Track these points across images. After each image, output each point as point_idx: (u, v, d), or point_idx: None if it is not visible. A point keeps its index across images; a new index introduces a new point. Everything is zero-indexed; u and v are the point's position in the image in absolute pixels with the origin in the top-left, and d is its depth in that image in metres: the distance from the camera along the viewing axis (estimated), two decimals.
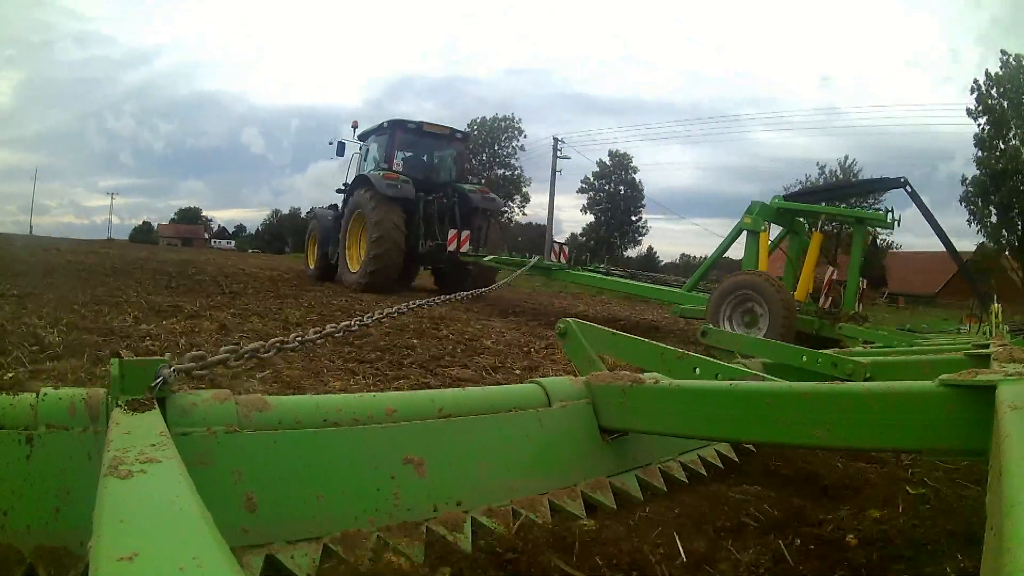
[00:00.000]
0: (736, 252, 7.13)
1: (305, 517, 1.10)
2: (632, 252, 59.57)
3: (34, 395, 1.03)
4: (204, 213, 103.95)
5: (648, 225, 59.67)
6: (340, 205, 11.18)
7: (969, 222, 33.57)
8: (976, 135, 32.14)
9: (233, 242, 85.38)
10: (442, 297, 2.87)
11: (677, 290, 7.40)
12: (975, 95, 31.98)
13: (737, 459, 1.91)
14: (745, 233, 6.52)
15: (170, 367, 1.09)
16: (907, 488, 1.71)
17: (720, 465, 1.85)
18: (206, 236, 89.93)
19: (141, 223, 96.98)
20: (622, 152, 55.65)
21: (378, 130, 11.10)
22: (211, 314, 5.12)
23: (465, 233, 9.62)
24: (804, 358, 2.76)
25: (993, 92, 31.65)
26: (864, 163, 41.94)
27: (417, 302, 2.41)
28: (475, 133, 52.10)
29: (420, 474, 1.24)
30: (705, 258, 8.69)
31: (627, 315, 9.91)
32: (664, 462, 1.70)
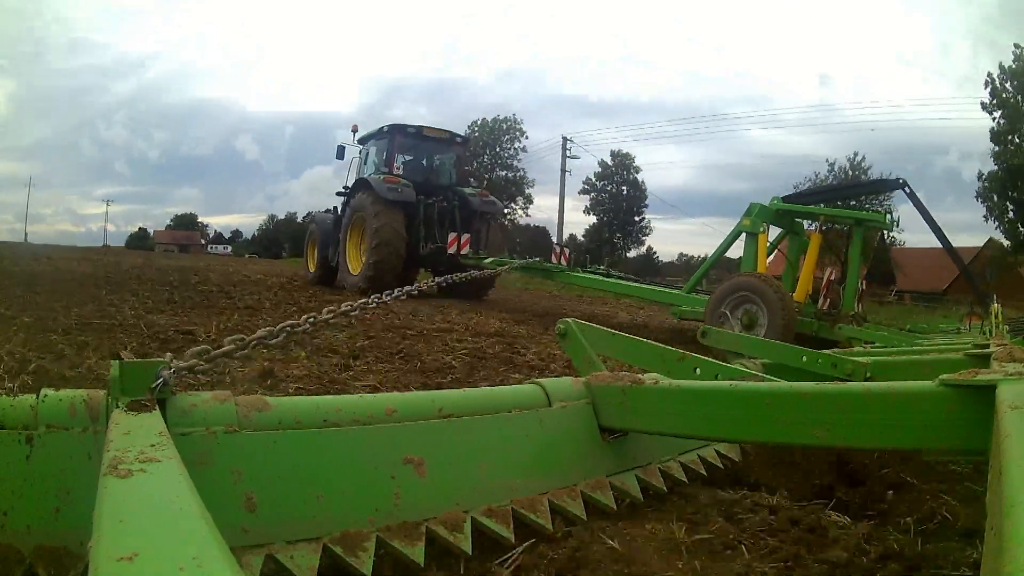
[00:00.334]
0: (737, 253, 7.13)
1: (305, 517, 1.09)
2: (631, 252, 59.61)
3: (34, 396, 1.03)
4: (200, 219, 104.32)
5: (651, 225, 59.79)
6: (340, 208, 11.19)
7: (986, 218, 33.31)
8: (992, 129, 31.70)
9: (230, 247, 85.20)
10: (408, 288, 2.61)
11: (676, 292, 7.40)
12: (988, 89, 31.49)
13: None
14: (744, 234, 6.52)
15: (170, 368, 1.09)
16: None
17: (720, 465, 1.85)
18: (202, 242, 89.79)
19: (137, 230, 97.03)
20: (624, 152, 55.60)
21: (378, 134, 11.13)
22: None
23: (465, 236, 9.63)
24: (804, 358, 2.76)
25: (1008, 86, 31.17)
26: (858, 160, 41.51)
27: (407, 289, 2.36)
28: (476, 134, 51.83)
29: (420, 474, 1.24)
30: (704, 258, 8.70)
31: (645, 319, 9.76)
32: (664, 462, 1.70)
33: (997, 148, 31.51)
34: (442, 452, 1.30)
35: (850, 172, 39.93)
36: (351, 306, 1.61)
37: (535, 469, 1.44)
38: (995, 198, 32.14)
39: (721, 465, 1.86)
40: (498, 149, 54.15)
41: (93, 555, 0.54)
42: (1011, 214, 32.13)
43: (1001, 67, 31.32)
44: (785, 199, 6.62)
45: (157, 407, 1.03)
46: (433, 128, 11.15)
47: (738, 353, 2.95)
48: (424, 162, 11.44)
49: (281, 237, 75.78)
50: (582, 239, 56.92)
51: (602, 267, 11.24)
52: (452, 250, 9.50)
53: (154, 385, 1.06)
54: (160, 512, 0.64)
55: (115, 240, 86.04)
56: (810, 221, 6.63)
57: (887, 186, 6.94)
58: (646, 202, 57.50)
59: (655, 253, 63.37)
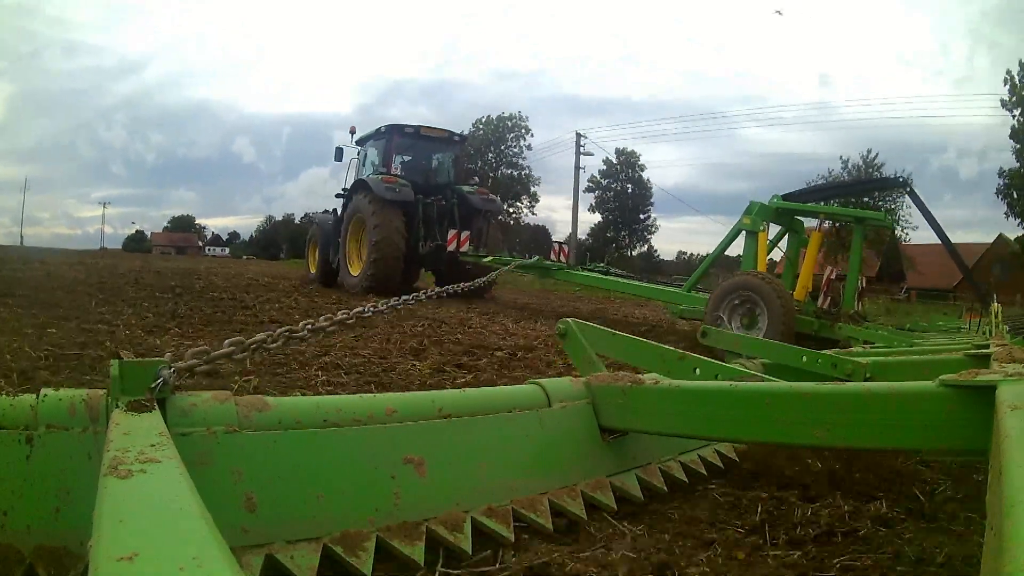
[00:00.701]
0: (737, 252, 7.12)
1: (305, 517, 1.10)
2: (636, 251, 59.35)
3: (34, 396, 1.03)
4: (197, 221, 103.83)
5: (657, 223, 59.51)
6: (339, 210, 11.20)
7: (1006, 215, 33.21)
8: (1012, 127, 31.45)
9: (227, 249, 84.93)
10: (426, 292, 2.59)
11: (676, 290, 7.39)
12: (1008, 86, 31.19)
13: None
14: (744, 233, 6.51)
15: (170, 368, 1.09)
16: None
17: (720, 465, 1.85)
18: (200, 244, 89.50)
19: (134, 232, 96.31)
20: (629, 150, 55.18)
21: (376, 135, 11.13)
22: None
23: (465, 234, 9.63)
24: (804, 358, 2.76)
25: None
26: (857, 158, 41.18)
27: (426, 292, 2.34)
28: (480, 132, 51.39)
29: (420, 474, 1.24)
30: (704, 256, 8.70)
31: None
32: (664, 462, 1.70)
33: (1017, 146, 31.34)
34: (442, 452, 1.30)
35: (863, 169, 39.55)
36: (346, 314, 1.59)
37: (535, 469, 1.44)
38: (1015, 195, 31.93)
39: (721, 465, 1.86)
40: (503, 147, 53.68)
41: (93, 555, 0.54)
42: None
43: (1021, 64, 31.02)
44: (785, 197, 6.61)
45: (157, 407, 1.03)
46: (431, 127, 11.15)
47: (738, 353, 2.95)
48: (422, 161, 11.44)
49: (279, 238, 75.57)
50: (584, 237, 56.87)
51: (601, 265, 11.23)
52: (452, 248, 9.50)
53: (154, 385, 1.06)
54: (160, 512, 0.64)
55: (112, 243, 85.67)
56: (824, 220, 6.59)
57: (888, 184, 6.94)
58: (651, 200, 57.39)
59: (656, 251, 63.28)
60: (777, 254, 6.85)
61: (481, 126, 52.84)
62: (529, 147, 53.80)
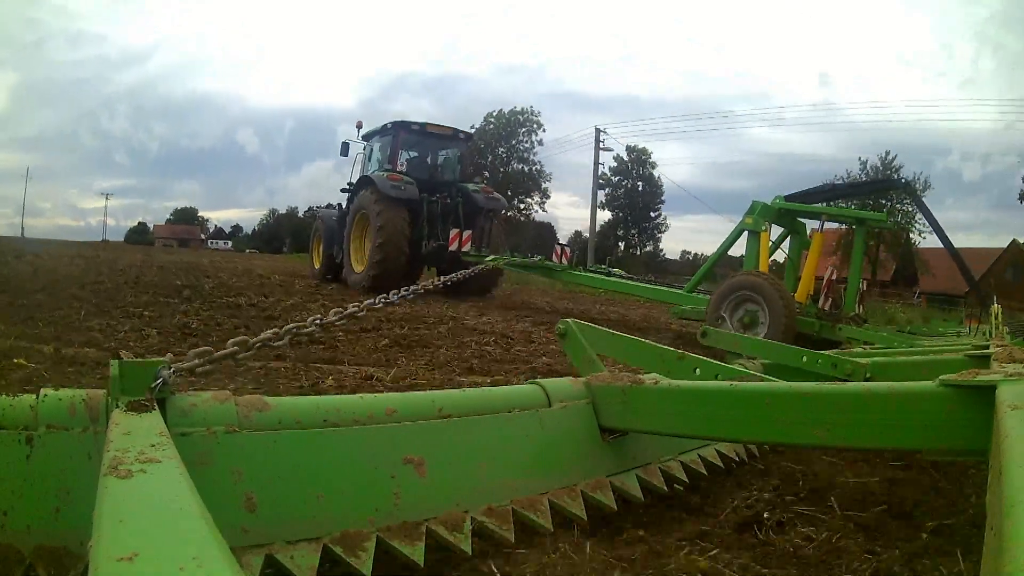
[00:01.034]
0: (740, 251, 7.12)
1: (305, 517, 1.10)
2: (647, 249, 58.77)
3: (34, 396, 1.03)
4: (200, 213, 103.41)
5: (668, 222, 58.96)
6: (344, 205, 11.20)
7: None
8: None
9: (230, 243, 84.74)
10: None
11: (678, 291, 7.39)
12: None
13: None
14: (746, 233, 6.51)
15: (170, 368, 1.09)
16: None
17: (720, 465, 1.85)
18: (202, 237, 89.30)
19: (137, 224, 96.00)
20: (640, 147, 54.28)
21: (381, 131, 11.13)
22: None
23: (467, 233, 9.63)
24: (804, 359, 2.76)
25: None
26: (890, 158, 40.87)
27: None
28: (491, 127, 50.63)
29: (420, 474, 1.24)
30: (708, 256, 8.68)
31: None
32: (664, 462, 1.70)
33: None
34: (442, 452, 1.30)
35: (881, 170, 39.38)
36: (358, 306, 1.61)
37: (535, 469, 1.44)
38: None
39: (722, 465, 1.86)
40: (514, 142, 52.66)
41: (93, 555, 0.54)
42: None
43: None
44: (787, 198, 6.61)
45: (157, 407, 1.03)
46: (436, 124, 11.15)
47: (738, 353, 2.95)
48: (428, 159, 11.44)
49: (282, 232, 75.23)
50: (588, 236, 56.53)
51: (603, 266, 11.23)
52: (453, 247, 9.50)
53: (154, 385, 1.06)
54: (160, 512, 0.64)
55: (114, 235, 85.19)
56: (825, 221, 6.58)
57: (890, 186, 6.94)
58: (662, 198, 56.77)
59: (661, 251, 62.92)
60: (781, 256, 6.85)
61: (492, 120, 51.99)
62: (541, 142, 52.99)
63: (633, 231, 57.05)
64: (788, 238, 6.85)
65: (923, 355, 3.46)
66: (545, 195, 54.24)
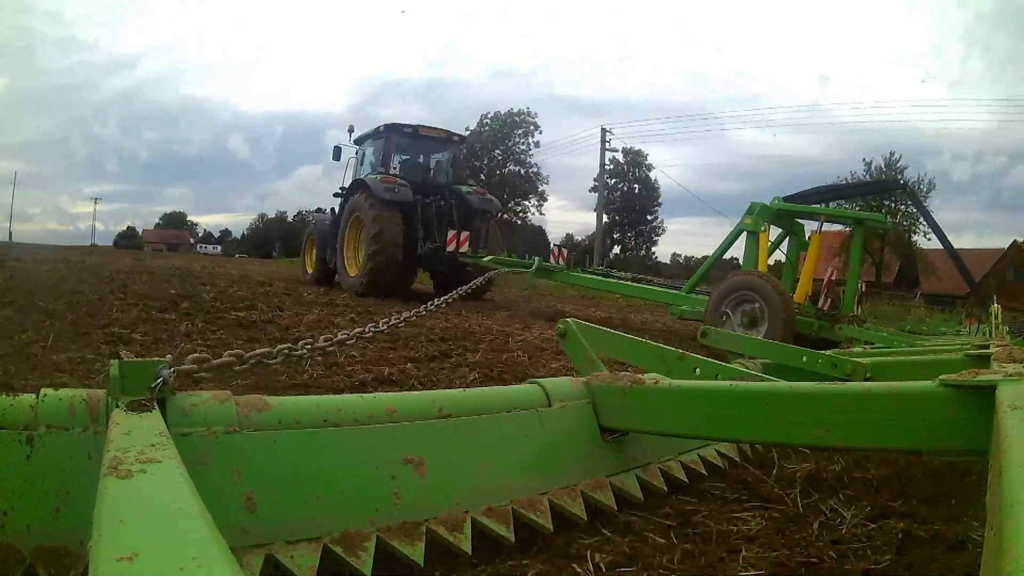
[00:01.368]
0: (733, 254, 7.13)
1: (305, 517, 1.09)
2: (643, 252, 58.52)
3: (34, 396, 1.03)
4: (189, 218, 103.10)
5: (664, 225, 58.58)
6: (337, 209, 11.20)
7: None
8: None
9: (219, 247, 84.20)
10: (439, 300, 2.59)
11: (676, 291, 7.39)
12: None
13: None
14: (745, 233, 6.52)
15: (170, 368, 1.09)
16: None
17: (720, 465, 1.85)
18: (192, 241, 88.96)
19: (125, 229, 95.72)
20: (636, 149, 53.76)
21: (374, 134, 11.13)
22: None
23: (464, 234, 9.62)
24: (804, 359, 2.76)
25: None
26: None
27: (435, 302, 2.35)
28: (486, 129, 50.21)
29: (420, 474, 1.24)
30: (703, 258, 8.67)
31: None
32: (664, 462, 1.70)
33: None
34: (442, 452, 1.30)
35: (885, 170, 39.28)
36: (375, 326, 1.62)
37: (535, 469, 1.44)
38: None
39: (722, 465, 1.86)
40: (510, 143, 52.00)
41: (93, 555, 0.54)
42: None
43: None
44: (786, 199, 6.62)
45: (157, 407, 1.03)
46: (429, 127, 11.14)
47: (738, 353, 2.95)
48: (421, 161, 11.44)
49: (272, 236, 74.93)
50: (581, 239, 56.48)
51: (601, 267, 11.23)
52: (451, 248, 9.50)
53: (154, 385, 1.06)
54: (160, 512, 0.64)
55: (103, 240, 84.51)
56: (823, 222, 6.58)
57: (888, 187, 6.95)
58: (659, 200, 56.38)
59: (654, 254, 62.81)
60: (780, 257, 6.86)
61: (488, 122, 51.58)
62: (537, 144, 52.41)
63: (630, 234, 56.88)
64: (787, 239, 6.86)
65: (923, 355, 3.47)
66: (542, 198, 53.91)
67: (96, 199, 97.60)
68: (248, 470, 1.07)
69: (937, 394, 1.15)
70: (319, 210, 12.31)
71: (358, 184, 10.10)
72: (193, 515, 0.63)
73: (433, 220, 10.09)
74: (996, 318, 6.16)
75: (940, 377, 1.17)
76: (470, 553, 1.20)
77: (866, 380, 2.45)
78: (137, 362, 1.07)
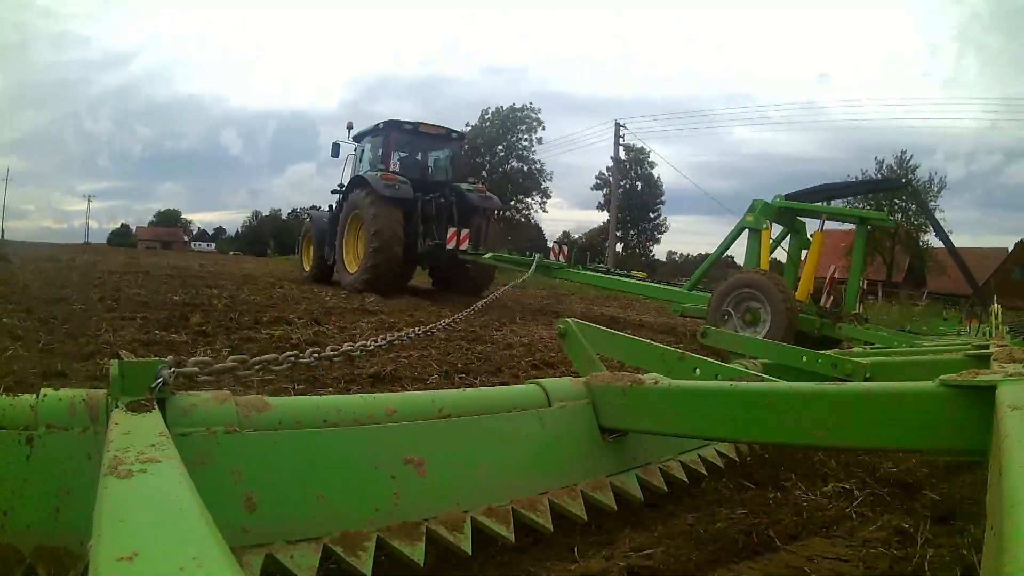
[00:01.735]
0: (740, 251, 7.11)
1: (305, 517, 1.09)
2: (641, 251, 58.30)
3: (34, 396, 1.03)
4: (183, 215, 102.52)
5: (667, 223, 57.95)
6: (335, 206, 11.17)
7: None
8: None
9: (213, 244, 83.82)
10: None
11: (678, 289, 7.39)
12: None
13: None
14: (747, 231, 6.51)
15: (170, 368, 1.09)
16: None
17: (720, 465, 1.85)
18: (185, 239, 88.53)
19: (119, 226, 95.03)
20: (639, 147, 52.73)
21: (373, 131, 11.10)
22: None
23: (464, 231, 9.61)
24: (804, 359, 2.76)
25: None
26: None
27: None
28: (488, 125, 49.37)
29: (420, 474, 1.24)
30: (702, 256, 8.67)
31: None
32: (664, 462, 1.70)
33: None
34: (442, 452, 1.30)
35: (895, 168, 39.10)
36: (386, 338, 1.63)
37: (535, 469, 1.44)
38: None
39: (721, 465, 1.86)
40: (512, 139, 50.38)
41: (93, 555, 0.54)
42: None
43: None
44: (788, 197, 6.61)
45: (157, 407, 1.03)
46: (429, 124, 11.11)
47: (738, 353, 2.95)
48: (420, 158, 11.43)
49: (265, 234, 74.53)
50: (578, 237, 56.29)
51: (601, 264, 11.22)
52: (451, 246, 9.49)
53: (154, 385, 1.06)
54: (160, 512, 0.64)
55: (97, 237, 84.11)
56: (825, 220, 6.57)
57: (890, 185, 6.94)
58: (662, 198, 55.82)
59: (652, 252, 62.43)
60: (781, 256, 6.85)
61: (490, 117, 50.52)
62: (540, 140, 51.05)
63: (632, 232, 56.66)
64: (788, 237, 6.85)
65: (923, 355, 3.46)
66: (546, 195, 52.73)
67: (90, 196, 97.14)
68: (248, 470, 1.07)
69: (937, 394, 1.15)
70: (314, 207, 12.32)
71: (358, 181, 10.08)
72: (193, 515, 0.63)
73: (433, 217, 10.07)
74: (996, 318, 6.15)
75: (940, 377, 1.17)
76: (470, 553, 1.20)
77: (866, 380, 2.45)
78: (137, 362, 1.07)
